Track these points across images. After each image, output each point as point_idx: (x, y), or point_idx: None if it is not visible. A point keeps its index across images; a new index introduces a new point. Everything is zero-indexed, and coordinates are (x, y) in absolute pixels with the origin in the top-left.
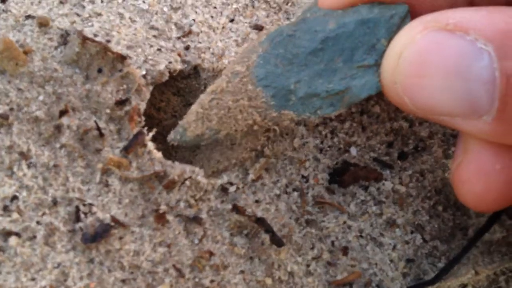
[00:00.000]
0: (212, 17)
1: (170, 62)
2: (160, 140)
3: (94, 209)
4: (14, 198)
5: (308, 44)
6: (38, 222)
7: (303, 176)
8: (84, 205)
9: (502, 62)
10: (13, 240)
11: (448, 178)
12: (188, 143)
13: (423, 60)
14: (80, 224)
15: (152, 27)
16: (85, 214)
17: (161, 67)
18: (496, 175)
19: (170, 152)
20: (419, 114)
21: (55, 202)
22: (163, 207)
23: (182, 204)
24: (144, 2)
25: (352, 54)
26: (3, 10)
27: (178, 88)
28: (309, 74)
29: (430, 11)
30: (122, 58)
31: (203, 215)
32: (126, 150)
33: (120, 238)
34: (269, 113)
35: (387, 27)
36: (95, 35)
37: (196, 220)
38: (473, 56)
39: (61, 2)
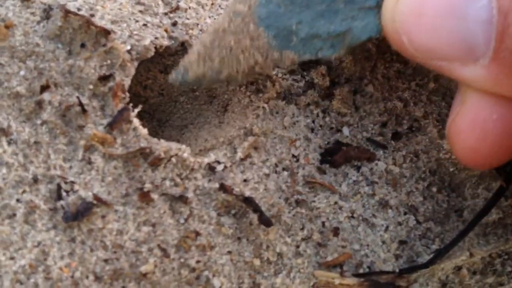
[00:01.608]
0: None
1: (156, 38)
2: (146, 119)
3: (76, 187)
4: None
5: None
6: (18, 200)
7: (293, 156)
8: (66, 182)
9: (500, 0)
10: None
11: (443, 159)
12: (189, 84)
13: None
14: (62, 202)
15: (139, 2)
16: (67, 192)
17: (147, 42)
18: (492, 125)
19: (157, 130)
20: (418, 57)
21: (35, 180)
22: (148, 186)
23: (167, 183)
24: None
25: None
26: None
27: (165, 66)
28: (310, 15)
29: None
30: (106, 32)
31: (189, 194)
32: (110, 126)
33: (103, 217)
34: (271, 53)
35: None
36: (79, 10)
37: (182, 199)
38: None
39: None
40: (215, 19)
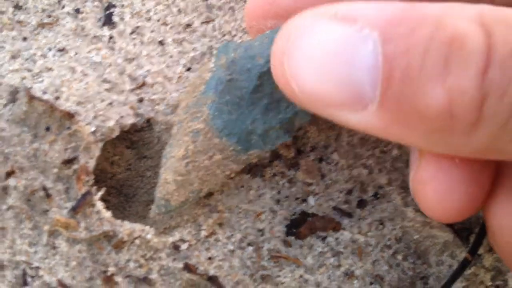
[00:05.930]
0: (168, 66)
1: (121, 117)
2: (113, 194)
3: (41, 272)
4: None
5: (247, 84)
6: None
7: (258, 230)
8: (31, 268)
9: (385, 46)
10: None
11: (407, 226)
12: (173, 211)
13: (309, 44)
14: None
15: (105, 80)
16: (32, 277)
17: (111, 123)
18: (457, 168)
19: (124, 205)
20: (307, 104)
21: (1, 266)
22: (111, 269)
23: (131, 264)
24: (97, 54)
25: None
26: None
27: (131, 141)
28: (259, 111)
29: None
30: (70, 115)
31: (154, 275)
32: (74, 210)
33: None
34: (240, 158)
35: None
36: (44, 92)
37: (146, 280)
38: (357, 42)
39: (12, 57)
40: (182, 92)
